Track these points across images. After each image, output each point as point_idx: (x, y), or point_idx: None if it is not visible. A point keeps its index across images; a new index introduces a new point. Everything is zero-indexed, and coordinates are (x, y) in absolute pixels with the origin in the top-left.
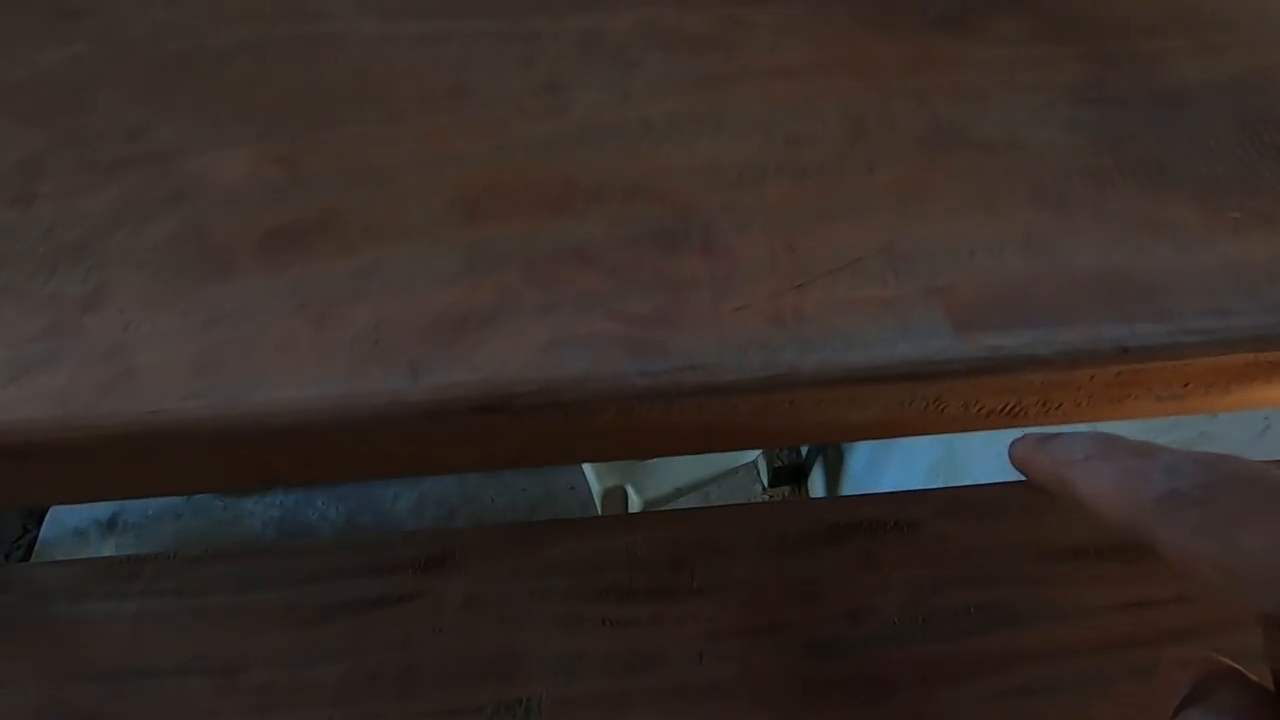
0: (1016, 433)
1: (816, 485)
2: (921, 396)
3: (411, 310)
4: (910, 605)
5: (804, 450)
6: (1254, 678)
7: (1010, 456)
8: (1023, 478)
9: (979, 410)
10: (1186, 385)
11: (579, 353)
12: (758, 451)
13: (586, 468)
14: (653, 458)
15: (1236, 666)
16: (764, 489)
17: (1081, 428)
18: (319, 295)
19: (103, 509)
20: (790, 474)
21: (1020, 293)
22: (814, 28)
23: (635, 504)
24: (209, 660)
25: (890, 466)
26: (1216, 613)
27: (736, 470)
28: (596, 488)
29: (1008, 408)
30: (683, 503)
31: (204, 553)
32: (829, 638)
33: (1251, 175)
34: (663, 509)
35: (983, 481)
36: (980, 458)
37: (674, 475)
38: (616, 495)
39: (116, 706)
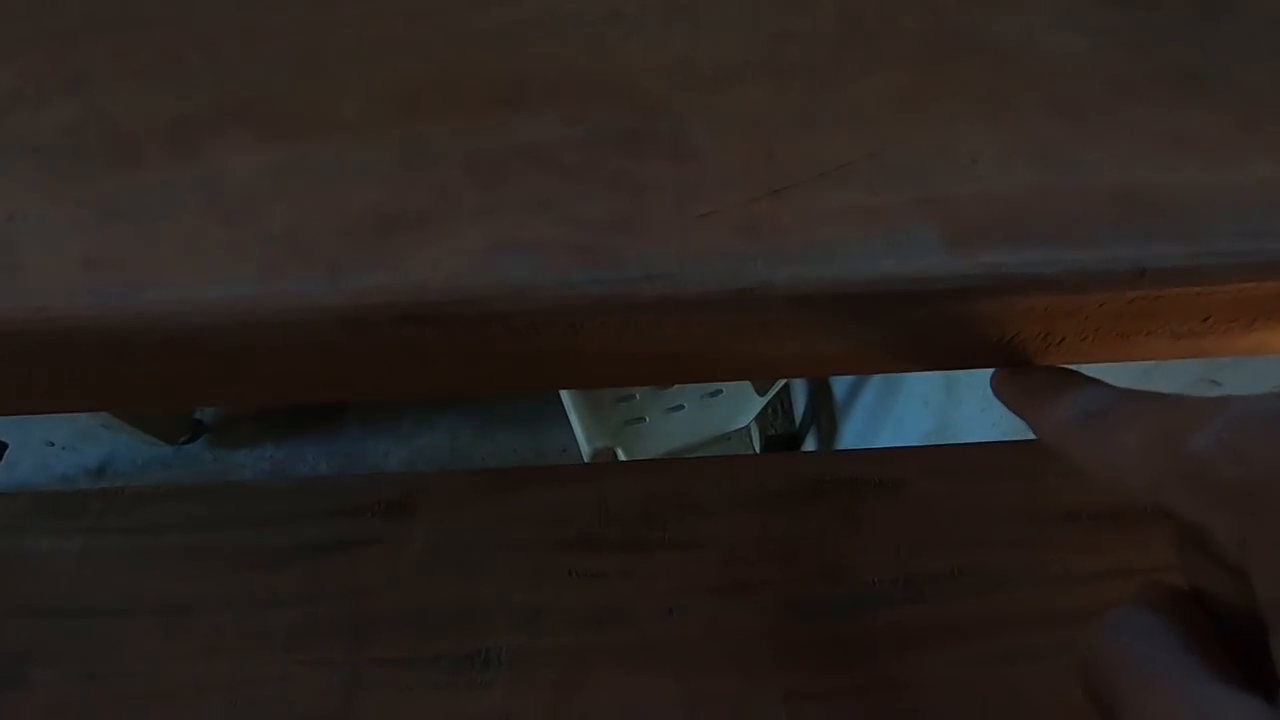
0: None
1: None
2: (908, 322)
3: (335, 209)
4: (891, 567)
5: (797, 419)
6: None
7: (991, 385)
8: (1013, 438)
9: (1008, 336)
10: (1206, 320)
11: (522, 259)
12: (750, 418)
13: (577, 429)
14: (609, 386)
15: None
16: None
17: (1086, 368)
18: (232, 190)
19: (91, 456)
20: (784, 442)
21: (1026, 207)
22: None
23: None
24: (156, 601)
25: (882, 437)
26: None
27: (729, 437)
28: (586, 449)
29: (1005, 339)
30: None
31: (155, 490)
32: (805, 598)
33: None
34: (633, 460)
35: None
36: (975, 427)
37: (665, 439)
38: (606, 457)
39: (55, 646)
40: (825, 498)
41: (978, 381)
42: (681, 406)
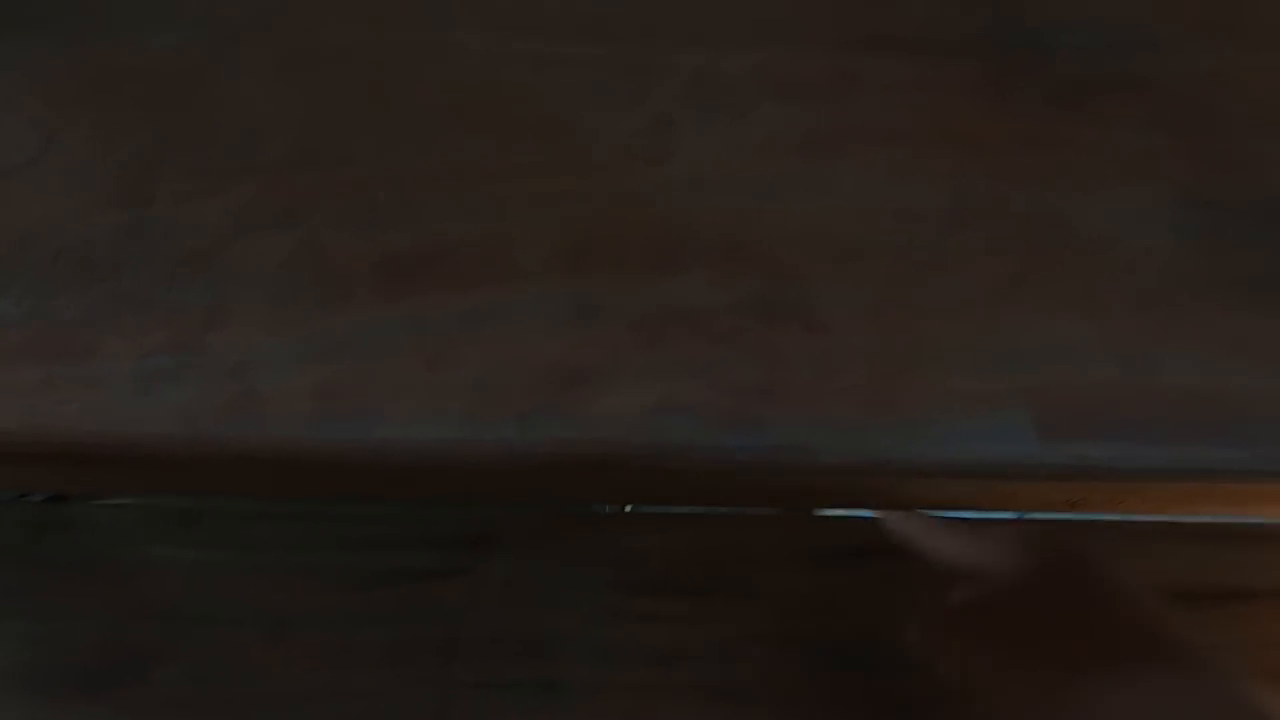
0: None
1: None
2: (999, 490)
3: (521, 359)
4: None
5: None
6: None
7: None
8: (1056, 515)
9: (1047, 500)
10: (1246, 503)
11: (685, 421)
12: None
13: None
14: (727, 506)
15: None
16: None
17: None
18: (432, 333)
19: None
20: None
21: (1108, 403)
22: (926, 90)
23: None
24: (261, 613)
25: None
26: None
27: None
28: None
29: (1074, 501)
30: None
31: (259, 509)
32: (849, 653)
33: None
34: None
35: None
36: None
37: None
38: None
39: (172, 647)
40: (874, 560)
41: None
42: None
